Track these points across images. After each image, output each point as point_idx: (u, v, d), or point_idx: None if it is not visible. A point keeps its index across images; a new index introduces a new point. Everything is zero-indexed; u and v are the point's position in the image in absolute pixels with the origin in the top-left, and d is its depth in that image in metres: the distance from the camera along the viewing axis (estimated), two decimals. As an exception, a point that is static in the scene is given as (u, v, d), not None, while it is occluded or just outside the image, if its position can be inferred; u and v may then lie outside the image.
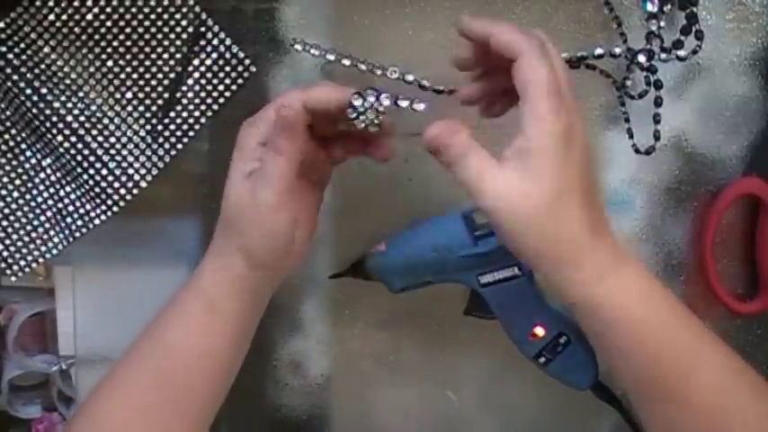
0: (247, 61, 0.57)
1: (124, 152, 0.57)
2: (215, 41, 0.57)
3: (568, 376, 0.55)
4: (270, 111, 0.47)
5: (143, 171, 0.58)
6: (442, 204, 0.60)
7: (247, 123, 0.48)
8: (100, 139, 0.57)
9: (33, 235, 0.58)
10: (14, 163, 0.57)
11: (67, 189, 0.58)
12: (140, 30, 0.56)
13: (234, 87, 0.58)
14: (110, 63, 0.56)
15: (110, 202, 0.58)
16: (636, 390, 0.46)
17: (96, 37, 0.56)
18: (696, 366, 0.45)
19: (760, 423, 0.44)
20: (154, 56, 0.57)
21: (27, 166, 0.58)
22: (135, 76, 0.57)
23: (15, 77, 0.55)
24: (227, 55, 0.57)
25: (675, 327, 0.45)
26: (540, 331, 0.53)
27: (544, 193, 0.41)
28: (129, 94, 0.57)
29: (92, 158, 0.57)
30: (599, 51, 0.56)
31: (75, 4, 0.55)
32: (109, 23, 0.55)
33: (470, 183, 0.42)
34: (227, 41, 0.57)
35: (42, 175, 0.58)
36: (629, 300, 0.44)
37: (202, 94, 0.58)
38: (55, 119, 0.56)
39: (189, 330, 0.48)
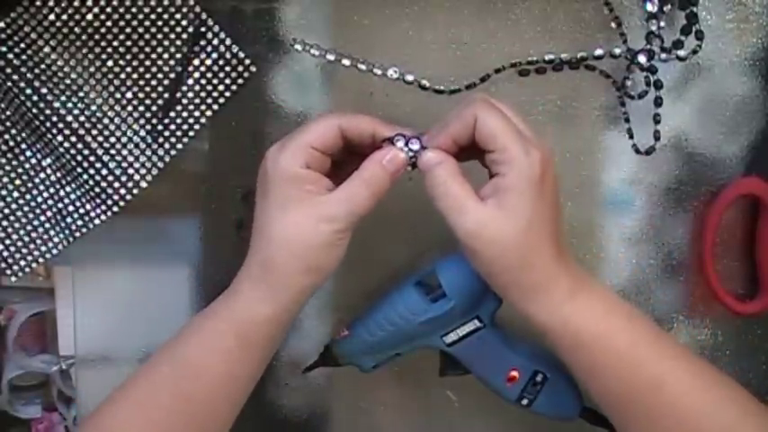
0: (247, 61, 0.57)
1: (124, 152, 0.57)
2: (215, 41, 0.57)
3: (554, 410, 0.55)
4: (307, 134, 0.46)
5: (143, 171, 0.58)
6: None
7: (284, 150, 0.46)
8: (100, 139, 0.57)
9: (33, 235, 0.58)
10: (14, 163, 0.58)
11: (67, 189, 0.58)
12: (140, 30, 0.56)
13: (234, 87, 0.58)
14: (110, 63, 0.56)
15: (110, 202, 0.58)
16: (610, 406, 0.48)
17: (96, 37, 0.56)
18: (665, 376, 0.46)
19: (732, 428, 0.46)
20: (154, 56, 0.57)
21: (27, 166, 0.58)
22: (135, 76, 0.57)
23: (15, 77, 0.55)
24: (228, 55, 0.57)
25: (639, 339, 0.47)
26: (515, 374, 0.54)
27: (518, 226, 0.44)
28: (129, 94, 0.57)
29: (92, 158, 0.57)
30: (599, 51, 0.57)
31: (76, 4, 0.55)
32: (109, 23, 0.55)
33: (451, 210, 0.45)
34: (227, 41, 0.57)
35: (42, 175, 0.58)
36: (593, 317, 0.46)
37: (202, 94, 0.58)
38: (55, 119, 0.56)
39: (216, 357, 0.48)
